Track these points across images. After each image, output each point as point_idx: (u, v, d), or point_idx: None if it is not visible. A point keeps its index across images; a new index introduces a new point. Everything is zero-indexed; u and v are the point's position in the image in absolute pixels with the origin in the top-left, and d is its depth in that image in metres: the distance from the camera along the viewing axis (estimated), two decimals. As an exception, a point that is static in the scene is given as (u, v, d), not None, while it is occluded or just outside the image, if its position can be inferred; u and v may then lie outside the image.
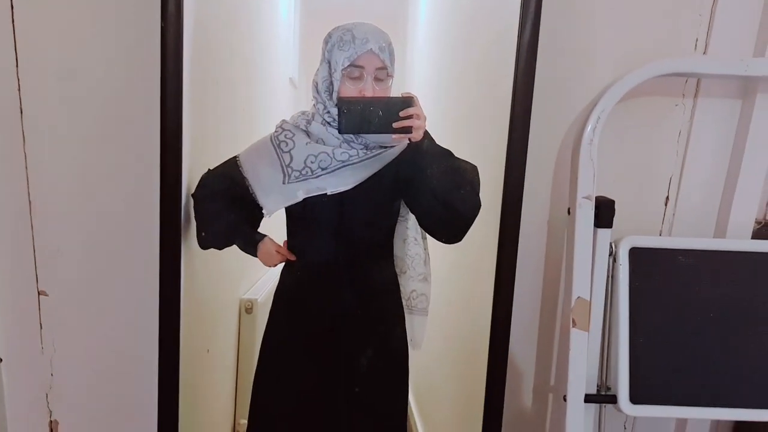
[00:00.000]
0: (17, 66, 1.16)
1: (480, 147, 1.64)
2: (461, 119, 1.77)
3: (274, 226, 1.39)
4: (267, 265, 1.36)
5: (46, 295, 1.24)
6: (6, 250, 1.22)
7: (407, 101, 1.10)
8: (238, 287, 2.19)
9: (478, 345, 1.56)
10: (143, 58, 1.17)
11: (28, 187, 1.20)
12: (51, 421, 1.29)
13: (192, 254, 1.31)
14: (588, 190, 1.14)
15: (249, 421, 1.45)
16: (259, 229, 1.38)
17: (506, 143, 1.20)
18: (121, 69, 1.18)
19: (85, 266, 1.25)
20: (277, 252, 1.35)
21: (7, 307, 1.23)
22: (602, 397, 1.20)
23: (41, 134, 1.19)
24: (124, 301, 1.27)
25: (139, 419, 1.31)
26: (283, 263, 1.37)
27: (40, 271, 1.23)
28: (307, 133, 1.25)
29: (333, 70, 1.17)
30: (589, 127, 1.15)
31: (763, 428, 1.28)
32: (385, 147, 1.22)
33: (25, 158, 1.19)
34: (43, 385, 1.27)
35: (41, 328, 1.25)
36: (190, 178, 1.28)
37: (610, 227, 1.17)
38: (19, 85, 1.16)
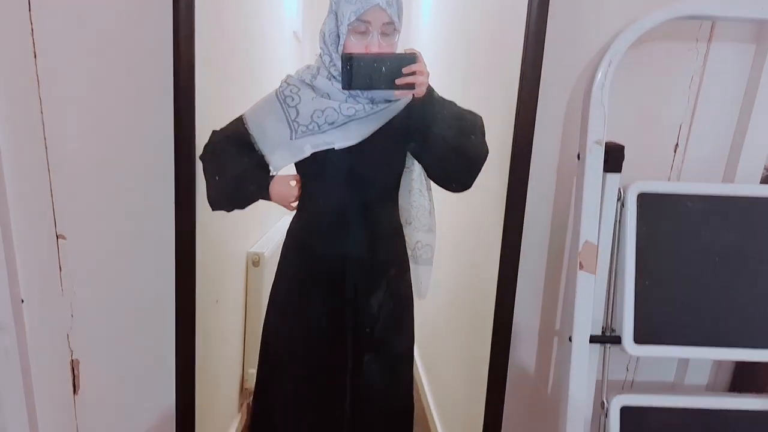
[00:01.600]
0: (30, 11, 1.16)
1: (489, 95, 1.64)
2: (470, 67, 1.77)
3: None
4: (285, 202, 1.35)
5: (64, 238, 1.27)
6: (24, 195, 1.24)
7: (411, 57, 1.11)
8: (246, 240, 2.21)
9: (483, 293, 1.59)
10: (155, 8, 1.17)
11: (44, 133, 1.22)
12: (72, 360, 1.33)
13: (201, 206, 1.33)
14: (598, 135, 1.15)
15: (259, 368, 1.49)
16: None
17: (517, 89, 1.21)
18: (133, 19, 1.19)
19: (103, 211, 1.27)
20: (292, 182, 1.33)
21: (27, 251, 1.26)
22: (607, 338, 1.23)
23: (55, 81, 1.20)
24: (140, 245, 1.30)
25: (158, 357, 1.35)
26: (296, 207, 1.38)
27: (58, 215, 1.26)
28: (313, 88, 1.25)
29: (339, 23, 1.16)
30: (600, 72, 1.15)
31: (763, 368, 1.32)
32: (390, 101, 1.23)
33: (40, 103, 1.20)
34: (63, 326, 1.31)
35: (60, 270, 1.28)
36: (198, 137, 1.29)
37: (619, 172, 1.18)
38: (32, 30, 1.17)
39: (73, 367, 1.33)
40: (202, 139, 1.30)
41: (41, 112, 1.20)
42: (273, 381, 1.47)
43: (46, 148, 1.22)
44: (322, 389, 1.41)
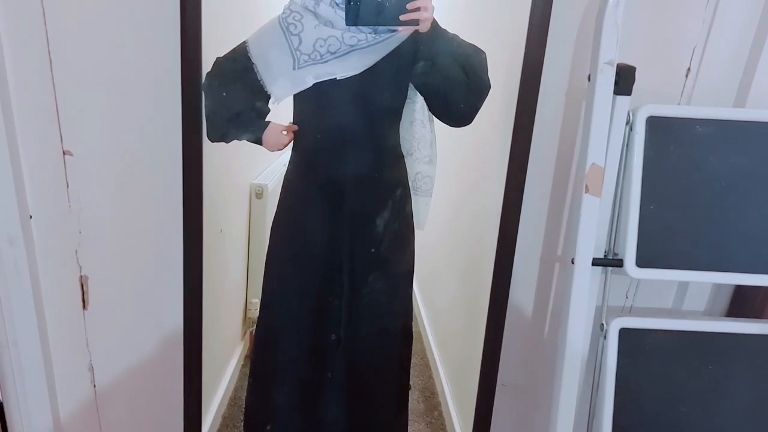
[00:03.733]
0: None
1: (499, 17, 1.61)
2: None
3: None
4: (274, 149, 1.38)
5: (71, 154, 1.27)
6: (30, 111, 1.23)
7: None
8: (249, 173, 2.21)
9: (484, 223, 1.60)
10: None
11: (48, 47, 1.19)
12: (81, 276, 1.35)
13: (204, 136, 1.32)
14: (610, 55, 1.13)
15: (263, 293, 1.51)
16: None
17: (529, 9, 1.19)
18: None
19: (109, 128, 1.26)
20: (284, 132, 1.36)
21: (35, 167, 1.26)
22: (609, 261, 1.25)
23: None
24: (148, 164, 1.29)
25: (165, 277, 1.37)
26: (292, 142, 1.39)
27: (64, 130, 1.25)
28: (315, 15, 1.23)
29: None
30: (615, -10, 1.12)
31: (759, 295, 1.35)
32: (394, 31, 1.22)
33: (44, 15, 1.17)
34: (72, 242, 1.32)
35: (68, 186, 1.28)
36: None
37: (629, 95, 1.17)
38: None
39: (82, 283, 1.35)
40: (208, 60, 1.28)
41: (44, 24, 1.18)
42: (275, 304, 1.49)
43: (50, 61, 1.20)
44: (322, 311, 1.44)
